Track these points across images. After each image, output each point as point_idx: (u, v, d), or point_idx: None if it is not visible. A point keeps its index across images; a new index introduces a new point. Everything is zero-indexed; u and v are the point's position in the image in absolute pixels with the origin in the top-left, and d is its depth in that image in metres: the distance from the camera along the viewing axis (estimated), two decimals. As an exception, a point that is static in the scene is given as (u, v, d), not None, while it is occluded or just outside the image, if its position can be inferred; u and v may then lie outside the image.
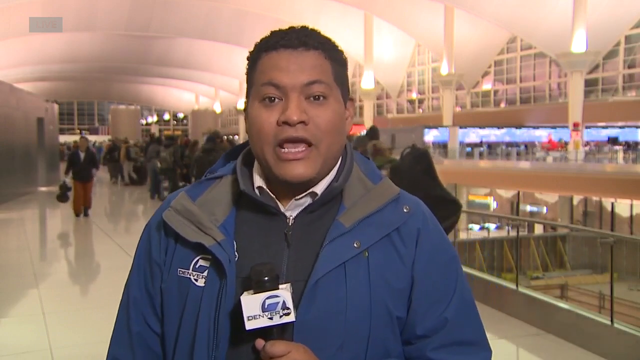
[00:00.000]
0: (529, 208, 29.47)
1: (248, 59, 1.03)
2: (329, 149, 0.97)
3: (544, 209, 29.22)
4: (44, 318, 5.37)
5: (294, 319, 0.90)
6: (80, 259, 8.84)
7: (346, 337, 0.94)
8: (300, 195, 0.98)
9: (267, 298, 0.88)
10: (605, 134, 33.86)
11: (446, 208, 5.47)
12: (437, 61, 36.92)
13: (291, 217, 0.99)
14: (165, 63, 52.65)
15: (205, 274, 0.98)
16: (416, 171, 5.43)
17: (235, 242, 0.99)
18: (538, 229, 21.17)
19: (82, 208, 11.85)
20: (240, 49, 46.60)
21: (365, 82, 39.17)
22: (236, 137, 50.83)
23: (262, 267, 0.90)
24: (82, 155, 11.73)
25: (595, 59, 29.32)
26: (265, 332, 0.90)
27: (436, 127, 33.66)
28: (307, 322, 0.93)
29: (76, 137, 29.38)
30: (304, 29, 1.00)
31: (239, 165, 1.05)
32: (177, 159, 14.01)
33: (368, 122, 37.99)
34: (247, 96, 1.02)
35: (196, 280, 0.99)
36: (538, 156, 28.35)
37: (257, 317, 0.88)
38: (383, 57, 40.69)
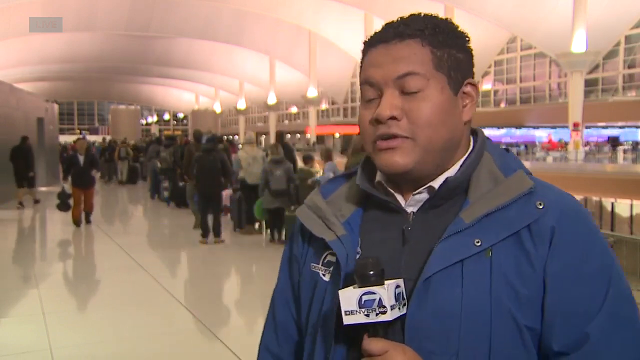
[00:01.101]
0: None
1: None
2: (429, 141, 0.92)
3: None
4: (44, 318, 5.37)
5: (390, 319, 0.86)
6: (81, 259, 8.84)
7: (462, 343, 0.86)
8: (418, 190, 0.95)
9: (364, 294, 0.85)
10: (605, 133, 33.87)
11: None
12: (437, 61, 36.89)
13: (412, 213, 0.96)
14: (165, 63, 52.65)
15: (331, 269, 0.99)
16: None
17: (360, 239, 0.99)
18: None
19: (81, 216, 10.70)
20: (240, 49, 46.60)
21: (365, 82, 39.15)
22: (236, 137, 50.86)
23: (366, 261, 0.87)
24: (81, 158, 10.48)
25: (595, 59, 29.33)
26: (373, 329, 0.87)
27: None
28: (418, 323, 0.88)
29: (77, 137, 29.41)
30: (410, 16, 0.97)
31: (361, 162, 1.06)
32: (177, 159, 13.99)
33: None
34: None
35: (324, 275, 1.01)
36: (538, 156, 28.38)
37: (355, 312, 0.86)
38: (383, 57, 40.66)
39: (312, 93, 43.84)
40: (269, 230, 9.42)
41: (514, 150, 29.34)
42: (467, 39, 0.97)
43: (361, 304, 0.85)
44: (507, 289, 0.86)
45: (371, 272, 0.86)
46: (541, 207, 0.87)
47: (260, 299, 6.45)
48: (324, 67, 44.35)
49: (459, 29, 0.97)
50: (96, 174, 11.29)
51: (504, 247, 0.87)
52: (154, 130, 56.69)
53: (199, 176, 9.16)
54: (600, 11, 27.19)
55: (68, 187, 10.74)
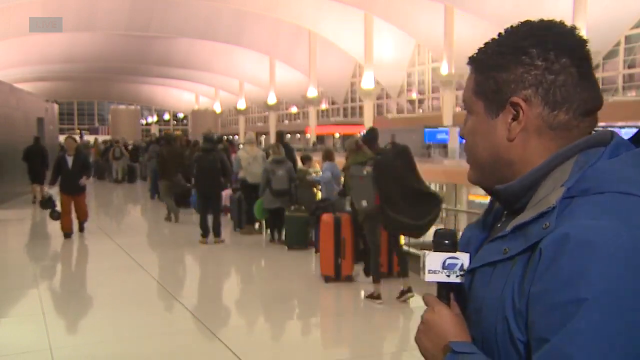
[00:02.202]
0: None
1: None
2: (474, 161, 1.04)
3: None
4: (44, 318, 5.37)
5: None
6: (80, 259, 8.84)
7: (484, 341, 0.94)
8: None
9: (449, 258, 1.00)
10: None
11: (428, 202, 5.59)
12: (437, 61, 36.90)
13: (504, 215, 1.04)
14: (165, 63, 52.64)
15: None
16: (397, 166, 5.54)
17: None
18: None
19: (71, 226, 9.56)
20: (240, 49, 46.59)
21: (365, 82, 39.16)
22: (236, 137, 50.86)
23: (446, 231, 1.02)
24: (69, 160, 9.32)
25: (595, 59, 29.32)
26: (439, 288, 1.02)
27: (436, 127, 33.68)
28: (469, 312, 0.99)
29: (76, 137, 29.49)
30: (499, 37, 1.02)
31: None
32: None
33: (368, 122, 38.00)
34: None
35: None
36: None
37: (437, 272, 1.00)
38: (383, 57, 40.68)
39: (312, 93, 43.82)
40: (268, 230, 9.42)
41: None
42: (526, 51, 0.96)
43: (445, 266, 1.00)
44: (510, 299, 0.89)
45: (446, 241, 1.01)
46: (545, 228, 0.87)
47: (260, 299, 6.45)
48: (324, 67, 44.34)
49: (518, 43, 0.97)
50: (86, 180, 9.70)
51: (523, 259, 0.89)
52: (154, 130, 56.67)
53: (198, 176, 9.16)
54: (600, 11, 27.18)
55: (55, 193, 9.70)
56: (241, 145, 13.83)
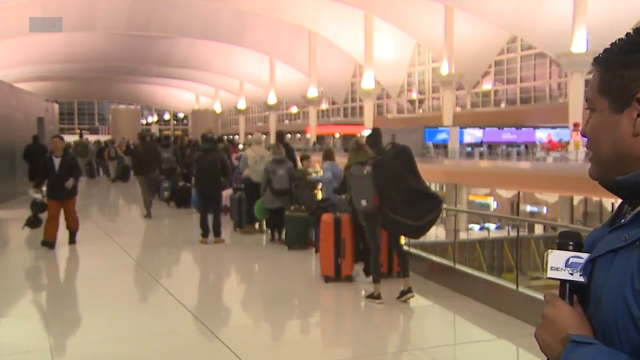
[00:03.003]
0: (529, 208, 29.45)
1: None
2: (596, 156, 1.06)
3: (544, 209, 29.23)
4: (44, 318, 5.37)
5: (585, 281, 1.01)
6: (80, 259, 8.83)
7: (605, 326, 0.97)
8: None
9: (572, 257, 1.03)
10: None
11: (427, 203, 5.60)
12: (437, 61, 36.90)
13: (628, 208, 1.05)
14: (165, 63, 52.65)
15: None
16: (397, 166, 5.54)
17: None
18: (538, 229, 21.17)
19: (56, 234, 8.45)
20: (240, 49, 46.60)
21: (365, 82, 39.19)
22: (236, 137, 50.86)
23: (571, 233, 1.06)
24: (56, 162, 8.33)
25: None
26: (561, 286, 1.04)
27: (436, 127, 33.70)
28: (590, 303, 1.00)
29: (76, 137, 29.47)
30: (627, 36, 1.03)
31: None
32: (179, 158, 14.09)
33: (368, 122, 38.03)
34: None
35: None
36: (538, 156, 28.36)
37: (560, 269, 1.02)
38: (383, 57, 40.68)
39: (312, 93, 43.85)
40: (269, 230, 9.42)
41: (514, 150, 29.31)
42: None
43: (567, 264, 1.03)
44: (630, 281, 0.92)
45: (571, 243, 1.04)
46: None
47: (261, 298, 6.45)
48: (324, 67, 44.35)
49: None
50: (72, 182, 8.42)
51: None
52: (154, 130, 56.64)
53: (198, 176, 9.17)
54: (600, 11, 27.18)
55: (41, 196, 8.84)
56: (241, 146, 13.84)
